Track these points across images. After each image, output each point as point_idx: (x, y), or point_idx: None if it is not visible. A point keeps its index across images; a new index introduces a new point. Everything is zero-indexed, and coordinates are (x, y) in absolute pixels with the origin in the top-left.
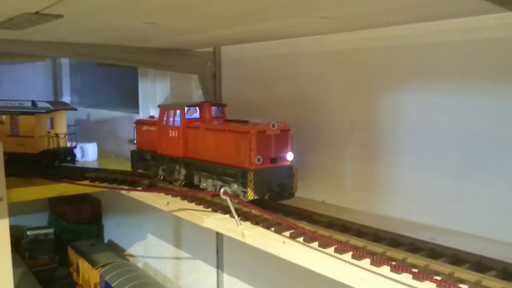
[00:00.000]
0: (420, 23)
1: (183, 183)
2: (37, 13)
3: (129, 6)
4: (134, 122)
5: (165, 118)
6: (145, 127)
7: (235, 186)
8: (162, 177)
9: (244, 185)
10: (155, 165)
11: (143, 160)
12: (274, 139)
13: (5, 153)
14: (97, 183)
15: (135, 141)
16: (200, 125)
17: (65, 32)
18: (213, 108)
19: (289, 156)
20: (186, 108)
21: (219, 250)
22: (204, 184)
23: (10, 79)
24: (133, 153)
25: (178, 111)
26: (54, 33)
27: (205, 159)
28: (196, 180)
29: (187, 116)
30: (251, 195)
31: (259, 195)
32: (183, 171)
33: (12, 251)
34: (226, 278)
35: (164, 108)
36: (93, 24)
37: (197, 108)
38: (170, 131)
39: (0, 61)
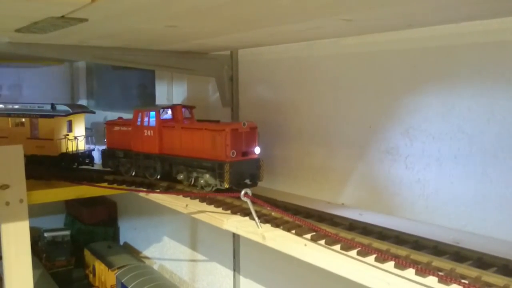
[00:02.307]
0: (443, 25)
1: (158, 177)
2: (63, 17)
3: (153, 9)
4: (104, 123)
5: (139, 119)
6: (116, 128)
7: (207, 176)
8: (134, 173)
9: (221, 175)
10: (128, 162)
11: (114, 158)
12: (245, 136)
13: (24, 156)
14: (115, 185)
15: (105, 141)
16: (176, 125)
17: (85, 36)
18: (183, 109)
19: (257, 150)
20: (161, 109)
21: (236, 253)
22: (181, 176)
23: (29, 83)
24: (103, 151)
25: (152, 113)
26: (74, 37)
27: (181, 154)
28: (174, 172)
29: (161, 117)
30: (227, 184)
31: (233, 184)
32: (159, 166)
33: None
34: (243, 280)
35: (138, 110)
36: (116, 28)
37: (170, 109)
38: (145, 130)
39: (20, 63)
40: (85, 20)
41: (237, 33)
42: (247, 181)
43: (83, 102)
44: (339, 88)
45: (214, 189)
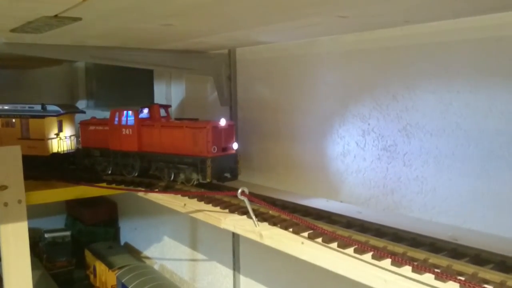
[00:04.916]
0: (439, 21)
1: (136, 174)
2: (56, 16)
3: (147, 7)
4: (79, 123)
5: (116, 119)
6: (91, 127)
7: (188, 172)
8: (110, 171)
9: (203, 170)
10: (105, 161)
11: (89, 156)
12: (224, 132)
13: None
14: (114, 185)
15: (79, 140)
16: (155, 123)
17: (82, 35)
18: (160, 108)
19: (235, 145)
20: (139, 109)
21: (236, 252)
22: (161, 172)
23: (27, 84)
24: (78, 150)
25: (128, 112)
26: (71, 37)
27: (160, 151)
28: (152, 169)
29: (140, 116)
30: (209, 178)
31: (215, 178)
32: (138, 163)
33: (30, 254)
34: (243, 280)
35: (115, 110)
36: (111, 27)
37: (147, 109)
38: (124, 129)
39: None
40: (79, 19)
41: (232, 31)
42: (227, 175)
43: (82, 102)
44: (337, 85)
45: (195, 183)
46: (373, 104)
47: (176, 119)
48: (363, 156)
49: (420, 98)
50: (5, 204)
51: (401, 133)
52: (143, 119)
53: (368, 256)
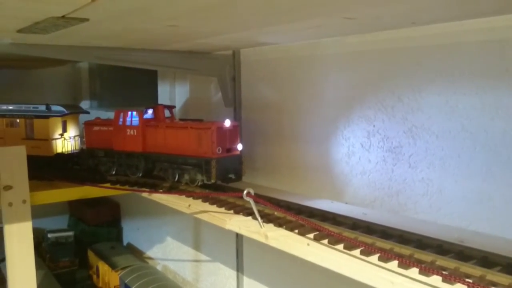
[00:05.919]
0: (446, 23)
1: (140, 174)
2: (63, 17)
3: (153, 9)
4: (83, 123)
5: (121, 119)
6: (96, 128)
7: (193, 172)
8: (115, 172)
9: (208, 171)
10: (109, 161)
11: (93, 157)
12: (228, 133)
13: None
14: (118, 186)
15: (84, 140)
16: (160, 124)
17: (87, 36)
18: (164, 109)
19: (239, 146)
20: (144, 109)
21: (239, 253)
22: (165, 173)
23: (31, 84)
24: (82, 151)
25: (133, 112)
26: (76, 37)
27: (165, 152)
28: (157, 170)
29: (144, 116)
30: (213, 179)
31: (219, 179)
32: (142, 164)
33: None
34: (246, 281)
35: (119, 111)
36: (117, 28)
37: (151, 109)
38: (128, 130)
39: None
40: (86, 20)
41: (238, 32)
42: (232, 176)
43: (86, 102)
44: (342, 87)
45: (199, 184)
46: (378, 105)
47: (180, 119)
48: (368, 158)
49: (425, 100)
50: (10, 204)
51: (406, 135)
52: (147, 119)
53: (374, 258)
